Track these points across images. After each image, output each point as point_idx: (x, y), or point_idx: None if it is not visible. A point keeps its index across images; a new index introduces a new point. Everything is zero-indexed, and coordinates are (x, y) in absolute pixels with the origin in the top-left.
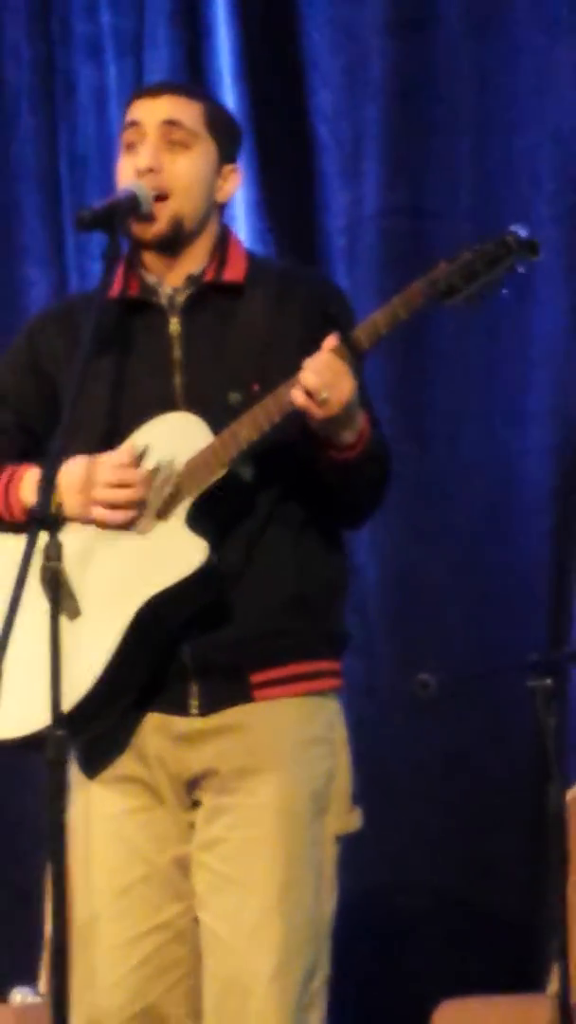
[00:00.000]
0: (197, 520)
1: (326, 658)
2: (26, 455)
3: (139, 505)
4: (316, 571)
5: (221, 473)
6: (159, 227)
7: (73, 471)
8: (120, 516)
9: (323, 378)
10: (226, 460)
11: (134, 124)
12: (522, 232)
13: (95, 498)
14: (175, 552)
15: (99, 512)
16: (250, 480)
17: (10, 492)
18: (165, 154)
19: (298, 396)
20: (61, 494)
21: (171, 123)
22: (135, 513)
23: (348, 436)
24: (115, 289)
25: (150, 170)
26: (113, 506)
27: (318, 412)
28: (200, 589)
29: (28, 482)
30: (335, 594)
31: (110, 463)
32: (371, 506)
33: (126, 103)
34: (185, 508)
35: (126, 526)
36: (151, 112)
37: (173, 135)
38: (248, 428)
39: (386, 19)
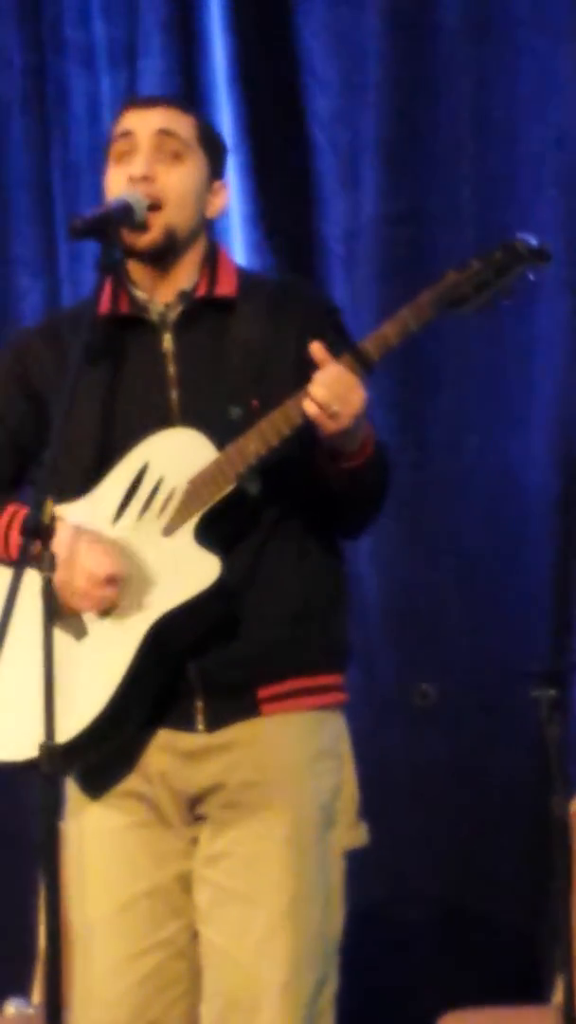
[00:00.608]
0: (204, 536)
1: (331, 672)
2: (20, 475)
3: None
4: (319, 584)
5: (228, 488)
6: (153, 236)
7: (58, 541)
8: (87, 608)
9: (334, 391)
10: (233, 476)
11: (127, 134)
12: (531, 240)
13: (73, 583)
14: (188, 568)
15: (71, 598)
16: (256, 495)
17: (10, 537)
18: (159, 164)
19: (310, 407)
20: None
21: (166, 133)
22: (106, 611)
23: (355, 444)
24: (104, 306)
25: (144, 178)
26: (83, 598)
27: (329, 424)
28: (213, 604)
29: None
30: (338, 607)
31: (101, 560)
32: (373, 513)
33: (118, 112)
34: (193, 524)
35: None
36: (145, 122)
37: (167, 145)
38: (256, 443)
39: (384, 24)
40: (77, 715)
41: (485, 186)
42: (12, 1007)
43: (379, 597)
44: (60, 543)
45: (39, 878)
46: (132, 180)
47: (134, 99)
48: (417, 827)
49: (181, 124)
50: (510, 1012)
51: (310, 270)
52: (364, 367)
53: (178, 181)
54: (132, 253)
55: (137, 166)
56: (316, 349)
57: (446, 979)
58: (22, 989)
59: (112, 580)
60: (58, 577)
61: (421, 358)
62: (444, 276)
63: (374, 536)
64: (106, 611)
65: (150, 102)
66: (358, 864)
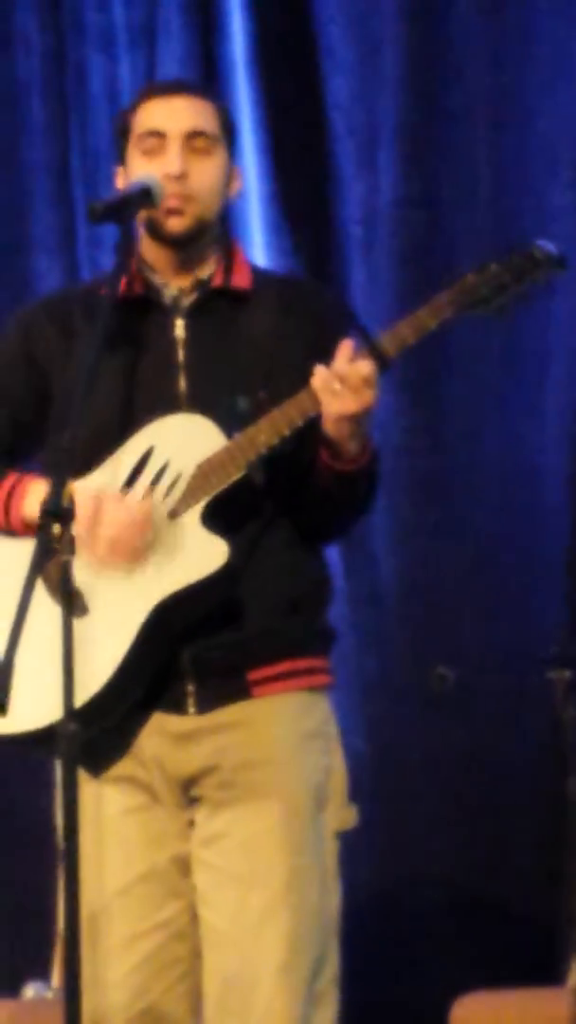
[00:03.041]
0: (210, 520)
1: (317, 655)
2: (17, 449)
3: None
4: (307, 573)
5: (237, 476)
6: (185, 223)
7: (78, 503)
8: (122, 558)
9: (350, 375)
10: (243, 463)
11: (157, 134)
12: (549, 247)
13: (103, 536)
14: (195, 551)
15: (103, 550)
16: (261, 484)
17: (11, 506)
18: (191, 161)
19: (319, 376)
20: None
21: (196, 134)
22: (138, 557)
23: (356, 447)
24: (119, 287)
25: (180, 176)
26: (117, 547)
27: (333, 404)
28: (219, 587)
29: (32, 497)
30: (323, 595)
31: (121, 506)
32: (350, 522)
33: (137, 101)
34: (200, 508)
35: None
36: (175, 119)
37: (198, 143)
38: (267, 432)
39: (401, 7)
40: (80, 689)
41: (501, 169)
42: (31, 990)
43: (394, 581)
44: (80, 504)
45: (55, 861)
46: (167, 178)
47: (156, 86)
48: (432, 810)
49: (209, 118)
50: (525, 995)
51: (328, 251)
52: (381, 363)
53: (209, 176)
54: (164, 237)
55: (172, 163)
56: (343, 345)
57: (461, 962)
58: (41, 972)
59: (145, 522)
60: (81, 538)
61: (435, 342)
62: (463, 277)
63: (390, 520)
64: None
65: (175, 90)
66: (372, 847)
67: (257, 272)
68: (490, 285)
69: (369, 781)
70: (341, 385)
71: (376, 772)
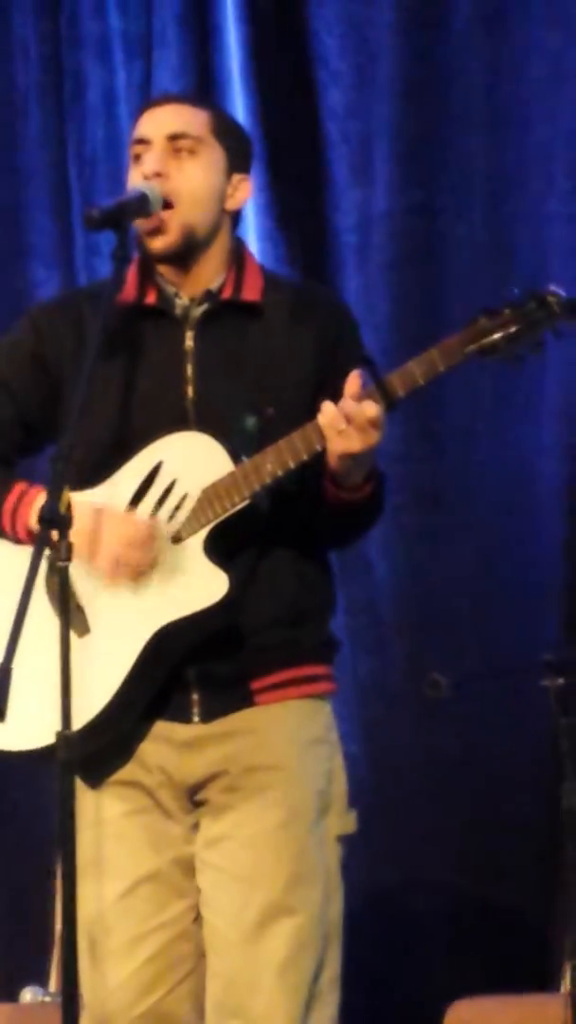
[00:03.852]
0: (212, 547)
1: (321, 663)
2: (24, 450)
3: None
4: (312, 588)
5: (241, 504)
6: (170, 239)
7: (80, 517)
8: (124, 574)
9: (357, 414)
10: (248, 493)
11: (142, 141)
12: (562, 293)
13: (106, 552)
14: (196, 581)
15: (106, 565)
16: (266, 511)
17: (18, 515)
18: (172, 161)
19: (325, 413)
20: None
21: (176, 136)
22: (141, 574)
23: (359, 478)
24: (130, 294)
25: (157, 175)
26: (120, 564)
27: (338, 442)
28: (217, 618)
29: (38, 506)
30: (327, 607)
31: (126, 523)
32: (358, 537)
33: (135, 114)
34: (203, 535)
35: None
36: (157, 126)
37: (180, 145)
38: (273, 463)
39: (396, 17)
40: (80, 710)
41: (497, 178)
42: (29, 994)
43: (390, 586)
44: (82, 518)
45: (54, 867)
46: (145, 178)
47: (150, 100)
48: (428, 816)
49: (193, 121)
50: (519, 1000)
51: (323, 260)
52: (388, 401)
53: (191, 176)
54: (152, 258)
55: (149, 163)
56: (351, 381)
57: (456, 967)
58: (39, 977)
59: (149, 540)
60: (83, 553)
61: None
62: (475, 321)
63: (385, 526)
64: (139, 576)
65: (163, 100)
66: (367, 852)
67: (270, 281)
68: (502, 333)
69: (364, 787)
70: (347, 425)
71: (371, 778)
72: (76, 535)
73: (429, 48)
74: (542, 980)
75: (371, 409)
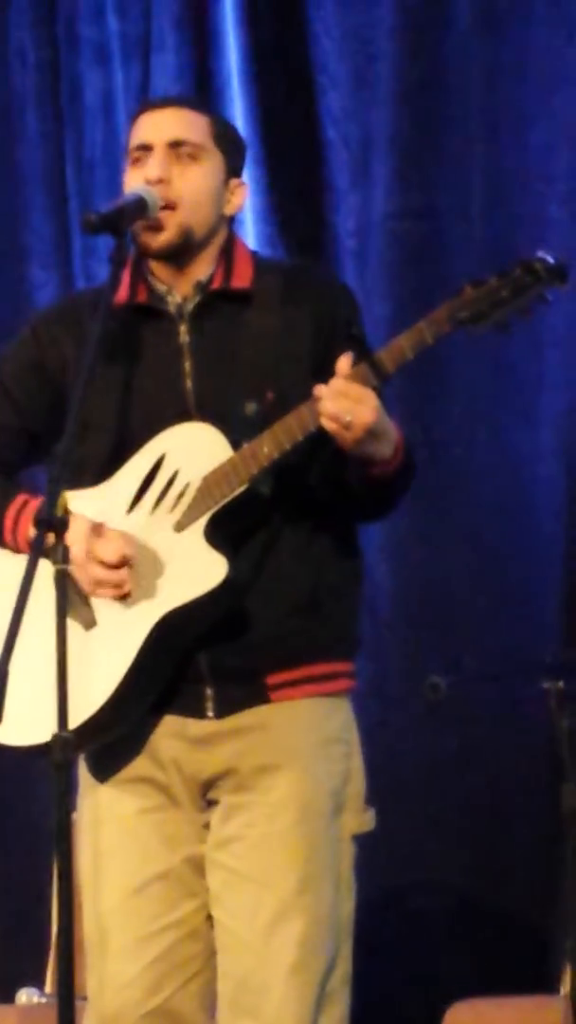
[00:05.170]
0: (214, 533)
1: (340, 659)
2: (28, 460)
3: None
4: (327, 575)
5: (241, 489)
6: (168, 236)
7: (73, 532)
8: (107, 593)
9: (341, 405)
10: (247, 477)
11: (143, 147)
12: (549, 259)
13: (88, 572)
14: (195, 567)
15: (88, 584)
16: (268, 495)
17: (19, 526)
18: (174, 166)
19: (326, 423)
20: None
21: (178, 143)
22: (121, 593)
23: (384, 450)
24: (123, 295)
25: (159, 180)
26: (101, 584)
27: (346, 435)
28: (219, 603)
29: None
30: (346, 597)
31: (110, 546)
32: (392, 508)
33: (132, 116)
34: (203, 522)
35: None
36: (158, 130)
37: (181, 151)
38: (269, 446)
39: (395, 20)
40: (84, 703)
41: (496, 181)
42: (25, 996)
43: (389, 589)
44: (75, 539)
45: (51, 868)
46: (148, 183)
47: (148, 102)
48: (428, 818)
49: (194, 127)
50: (519, 1002)
51: (321, 264)
52: (379, 378)
53: (192, 182)
54: (148, 254)
55: (152, 168)
56: (342, 363)
57: (455, 968)
58: (35, 978)
59: (123, 563)
60: (76, 571)
61: (429, 350)
62: (461, 291)
63: (384, 528)
64: (124, 595)
65: (163, 103)
66: (368, 854)
67: (260, 265)
68: (489, 299)
69: (365, 788)
70: (352, 417)
71: (370, 780)
72: (73, 543)
73: (428, 50)
74: (542, 982)
75: (355, 390)
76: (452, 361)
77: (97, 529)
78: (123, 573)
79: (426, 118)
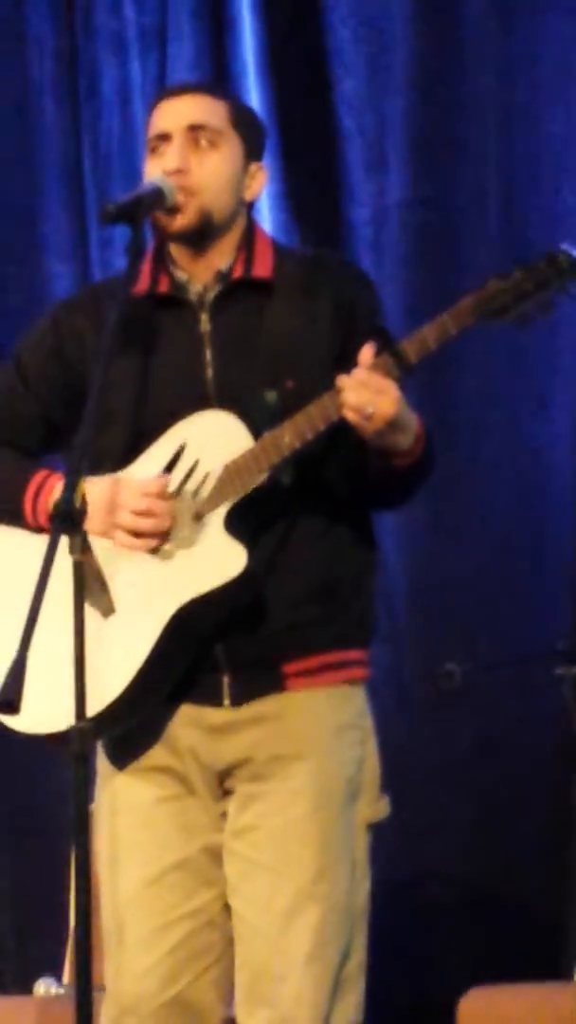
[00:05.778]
0: (233, 523)
1: (355, 647)
2: (47, 448)
3: (163, 533)
4: (343, 563)
5: (262, 479)
6: (187, 219)
7: (98, 490)
8: (141, 543)
9: (362, 396)
10: (267, 466)
11: (162, 136)
12: (574, 252)
13: (119, 523)
14: (214, 557)
15: (121, 537)
16: (288, 484)
17: (39, 500)
18: (192, 155)
19: (348, 414)
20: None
21: (196, 128)
22: (157, 542)
23: (405, 441)
24: (143, 284)
25: (178, 171)
26: (136, 533)
27: (367, 426)
28: (238, 594)
29: (57, 493)
30: (362, 586)
31: (137, 489)
32: (411, 497)
33: (151, 104)
34: (223, 512)
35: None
36: (176, 117)
37: (200, 137)
38: (291, 435)
39: (411, 8)
40: (101, 692)
41: (510, 171)
42: (43, 986)
43: (404, 578)
44: (99, 492)
45: (69, 858)
46: (166, 174)
47: (166, 90)
48: (442, 806)
49: (213, 112)
50: (532, 989)
51: (337, 252)
52: (401, 369)
53: (212, 169)
54: (167, 236)
55: (170, 159)
56: (364, 353)
57: (469, 957)
58: (53, 969)
59: (162, 494)
60: (102, 525)
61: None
62: (486, 283)
63: (398, 517)
64: (158, 538)
65: (181, 90)
66: (380, 843)
67: (281, 255)
68: (514, 292)
69: (380, 775)
70: (374, 408)
71: (384, 768)
72: (93, 507)
73: (444, 39)
74: (555, 969)
75: (379, 382)
76: (465, 351)
77: (117, 481)
78: (163, 507)
79: (441, 107)
